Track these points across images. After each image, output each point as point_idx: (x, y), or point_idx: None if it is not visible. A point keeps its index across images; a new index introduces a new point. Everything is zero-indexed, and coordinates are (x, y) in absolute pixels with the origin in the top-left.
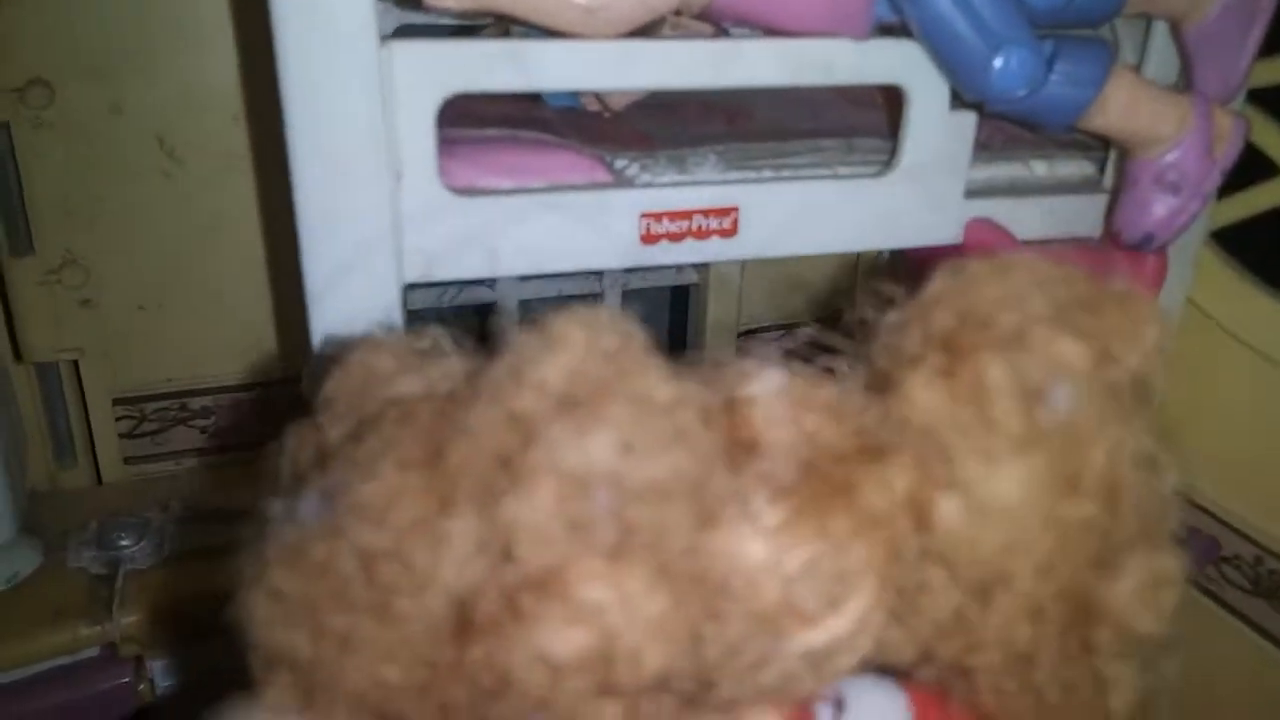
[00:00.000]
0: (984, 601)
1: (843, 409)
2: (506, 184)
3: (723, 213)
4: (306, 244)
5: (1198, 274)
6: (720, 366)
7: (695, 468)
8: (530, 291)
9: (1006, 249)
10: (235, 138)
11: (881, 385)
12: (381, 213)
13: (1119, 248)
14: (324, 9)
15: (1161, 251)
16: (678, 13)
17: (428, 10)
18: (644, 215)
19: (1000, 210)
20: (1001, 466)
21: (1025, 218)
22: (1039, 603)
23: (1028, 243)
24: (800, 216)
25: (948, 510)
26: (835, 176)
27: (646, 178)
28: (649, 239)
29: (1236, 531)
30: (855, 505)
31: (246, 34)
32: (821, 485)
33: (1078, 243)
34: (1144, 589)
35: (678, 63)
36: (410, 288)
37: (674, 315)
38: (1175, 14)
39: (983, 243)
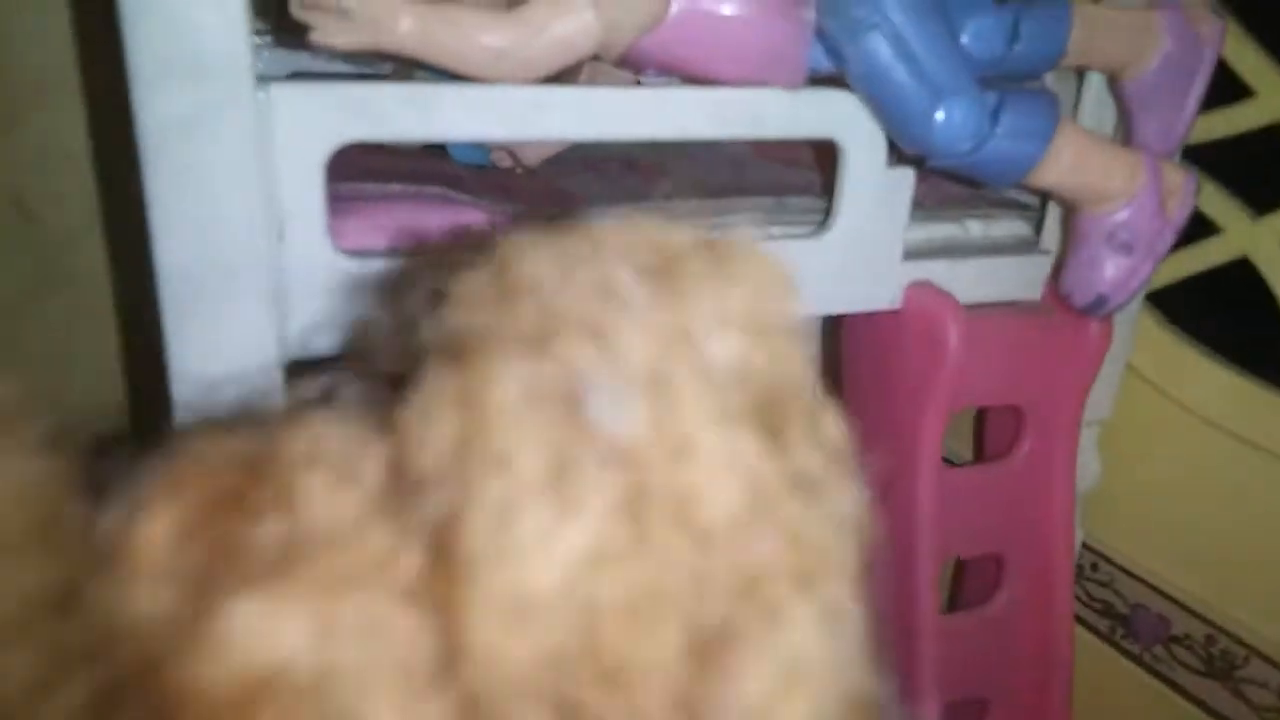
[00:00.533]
0: None
1: (355, 470)
2: (408, 246)
3: None
4: (171, 314)
5: (1137, 338)
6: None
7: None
8: None
9: (949, 316)
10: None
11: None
12: (259, 277)
13: (1069, 312)
14: (187, 43)
15: (1107, 317)
16: (595, 59)
17: (318, 54)
18: None
19: (939, 272)
20: (526, 528)
21: (964, 280)
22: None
23: (968, 307)
24: None
25: (471, 606)
26: (771, 237)
27: None
28: None
29: (1186, 609)
30: (349, 610)
31: (94, 80)
32: (311, 583)
33: (1018, 306)
34: (772, 688)
35: (599, 112)
36: (296, 365)
37: None
38: (1114, 66)
39: (925, 309)
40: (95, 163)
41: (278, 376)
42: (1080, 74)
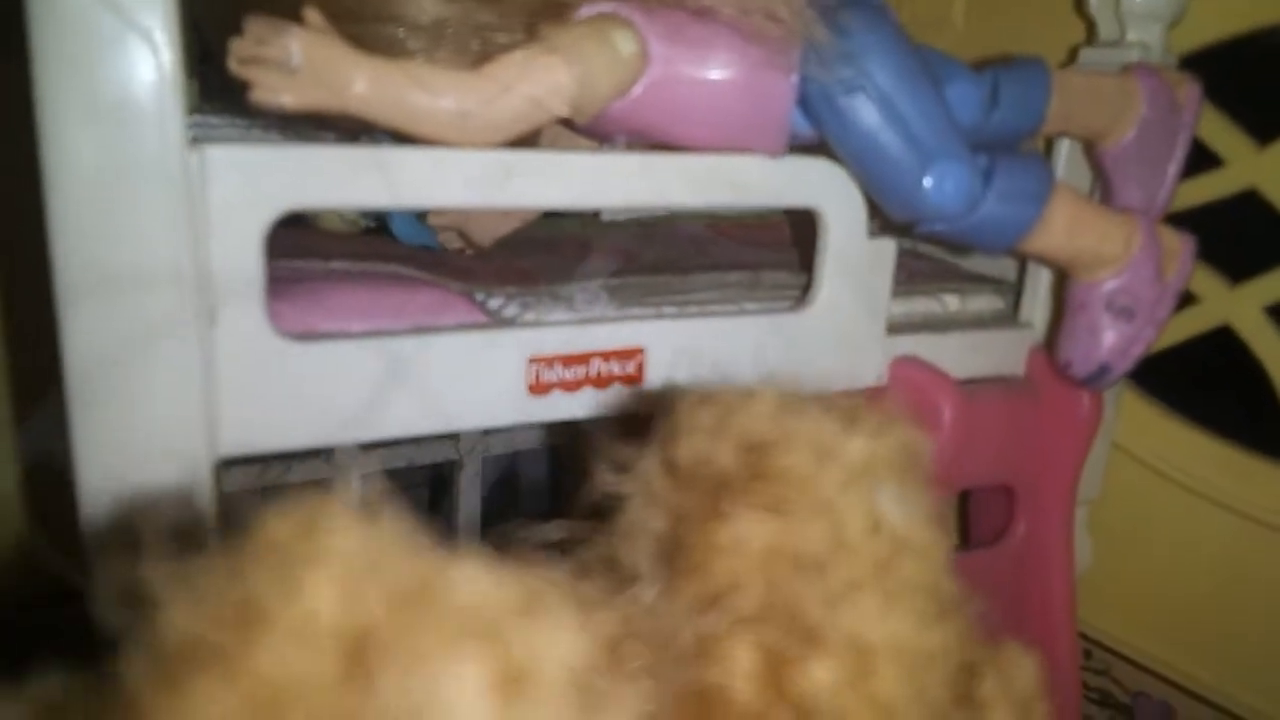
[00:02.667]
0: None
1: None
2: (355, 327)
3: (626, 355)
4: (79, 411)
5: (1121, 413)
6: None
7: None
8: (375, 463)
9: (942, 393)
10: None
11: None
12: (187, 366)
13: (1058, 386)
14: (108, 84)
15: (1097, 391)
16: (558, 123)
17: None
18: (532, 360)
19: (923, 347)
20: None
21: (948, 355)
22: None
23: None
24: (713, 359)
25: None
26: (747, 312)
27: (530, 317)
28: (539, 388)
29: (1191, 694)
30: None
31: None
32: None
33: (1004, 382)
34: None
35: (575, 178)
36: (225, 464)
37: (551, 479)
38: (1093, 134)
39: (914, 386)
40: None
41: (209, 484)
42: (1049, 142)
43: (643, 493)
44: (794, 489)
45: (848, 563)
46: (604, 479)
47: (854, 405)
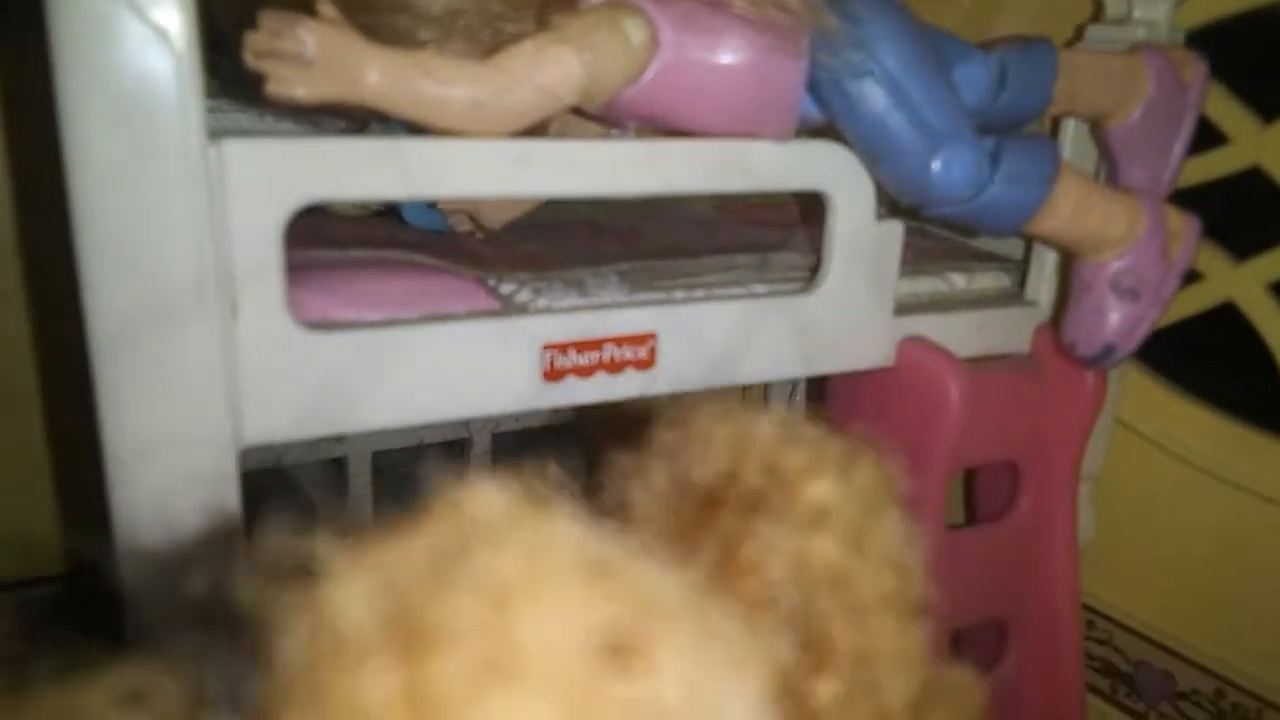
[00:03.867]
0: None
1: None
2: (372, 315)
3: (638, 340)
4: (108, 404)
5: (1124, 389)
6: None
7: None
8: (385, 442)
9: (948, 373)
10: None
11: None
12: (210, 358)
13: (1062, 363)
14: (129, 85)
15: (1102, 370)
16: (577, 110)
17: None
18: (546, 347)
19: (930, 327)
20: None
21: (955, 334)
22: None
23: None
24: (725, 342)
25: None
26: (757, 295)
27: (543, 303)
28: (553, 375)
29: (1191, 663)
30: None
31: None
32: None
33: (1010, 359)
34: None
35: (586, 167)
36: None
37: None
38: (1099, 113)
39: (921, 366)
40: (16, 220)
41: (233, 470)
42: (1055, 122)
43: (651, 503)
44: (826, 513)
45: (870, 583)
46: (611, 485)
47: (837, 432)
